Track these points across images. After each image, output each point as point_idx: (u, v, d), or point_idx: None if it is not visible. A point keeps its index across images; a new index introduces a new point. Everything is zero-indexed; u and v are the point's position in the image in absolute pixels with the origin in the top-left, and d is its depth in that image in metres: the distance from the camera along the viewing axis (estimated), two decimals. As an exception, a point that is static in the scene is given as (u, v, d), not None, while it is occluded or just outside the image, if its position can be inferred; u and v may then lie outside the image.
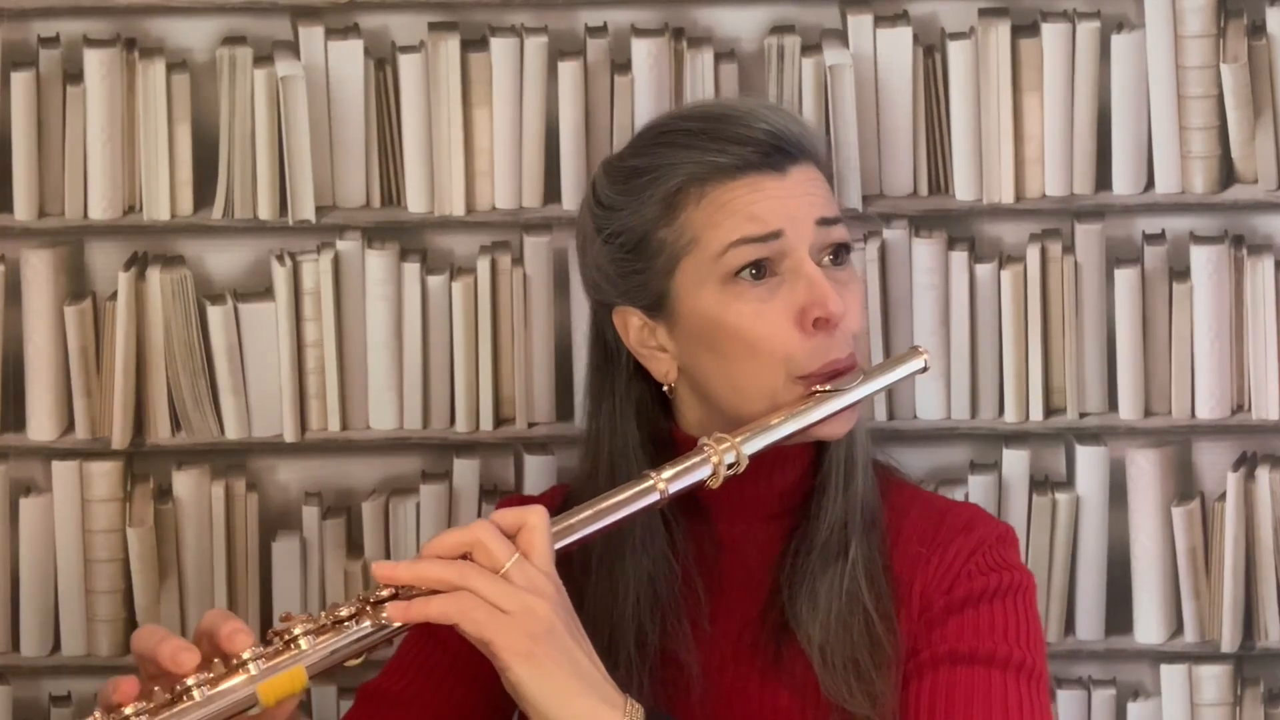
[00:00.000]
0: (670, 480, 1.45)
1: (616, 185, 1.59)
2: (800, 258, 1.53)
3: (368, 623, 1.36)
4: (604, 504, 1.44)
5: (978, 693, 1.51)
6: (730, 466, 1.47)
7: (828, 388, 1.52)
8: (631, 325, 1.60)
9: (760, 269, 1.53)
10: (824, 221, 1.55)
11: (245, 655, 1.33)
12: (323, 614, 1.37)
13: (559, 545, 1.41)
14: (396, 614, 1.36)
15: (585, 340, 1.87)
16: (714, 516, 1.62)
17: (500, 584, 1.35)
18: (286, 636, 1.35)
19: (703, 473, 1.47)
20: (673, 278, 1.56)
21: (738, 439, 1.48)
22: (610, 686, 1.38)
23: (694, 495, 1.50)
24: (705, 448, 1.47)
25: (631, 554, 1.58)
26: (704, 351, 1.55)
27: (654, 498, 1.45)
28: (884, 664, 1.54)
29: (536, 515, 1.39)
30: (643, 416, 1.63)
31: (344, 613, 1.36)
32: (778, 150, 1.55)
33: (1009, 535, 1.63)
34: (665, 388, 1.61)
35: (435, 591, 1.37)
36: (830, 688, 1.54)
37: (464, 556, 1.38)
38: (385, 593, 1.38)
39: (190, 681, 1.32)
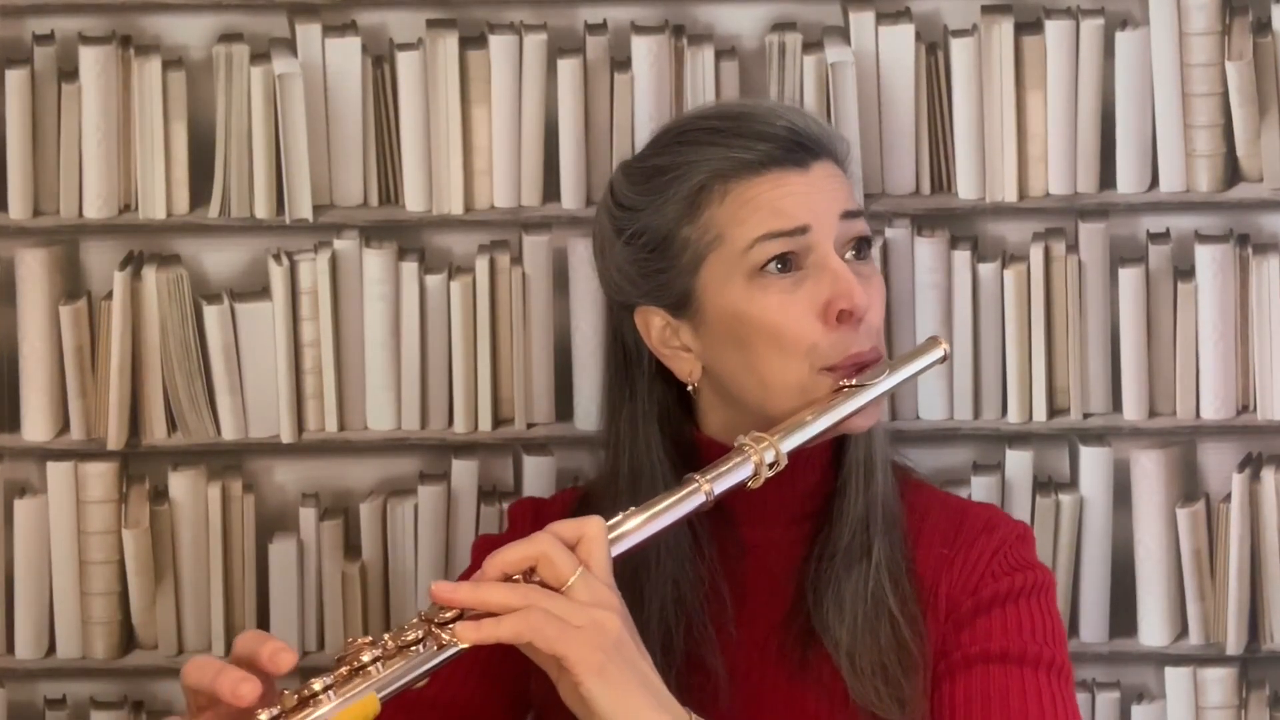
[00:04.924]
0: (714, 481, 1.44)
1: (637, 185, 1.60)
2: (825, 252, 1.54)
3: (434, 644, 1.34)
4: (652, 510, 1.43)
5: (1012, 691, 1.53)
6: (771, 465, 1.47)
7: (854, 382, 1.52)
8: (654, 325, 1.60)
9: (786, 263, 1.54)
10: (847, 215, 1.56)
11: (317, 686, 1.30)
12: (387, 637, 1.34)
13: (613, 553, 1.40)
14: (467, 635, 1.34)
15: (585, 340, 1.87)
16: (737, 521, 1.62)
17: (566, 601, 1.34)
18: (355, 664, 1.33)
19: (744, 472, 1.46)
20: (697, 275, 1.56)
21: (775, 437, 1.48)
22: (672, 699, 1.38)
23: (717, 500, 1.49)
24: (745, 448, 1.47)
25: (656, 560, 1.58)
26: (729, 347, 1.55)
27: (700, 500, 1.44)
28: (912, 668, 1.55)
29: (595, 526, 1.38)
30: (664, 419, 1.63)
31: (410, 636, 1.34)
32: (800, 146, 1.55)
33: (1028, 534, 1.65)
34: (689, 387, 1.61)
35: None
36: (859, 693, 1.55)
37: (529, 569, 1.36)
38: (449, 613, 1.35)
39: (263, 717, 1.28)
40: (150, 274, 1.89)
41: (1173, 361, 1.90)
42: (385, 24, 1.90)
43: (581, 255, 1.88)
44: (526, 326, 1.90)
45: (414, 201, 1.90)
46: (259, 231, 1.90)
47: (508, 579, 1.36)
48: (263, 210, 1.90)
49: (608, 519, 1.41)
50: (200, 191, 1.90)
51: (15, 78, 1.89)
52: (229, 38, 1.89)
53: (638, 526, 1.41)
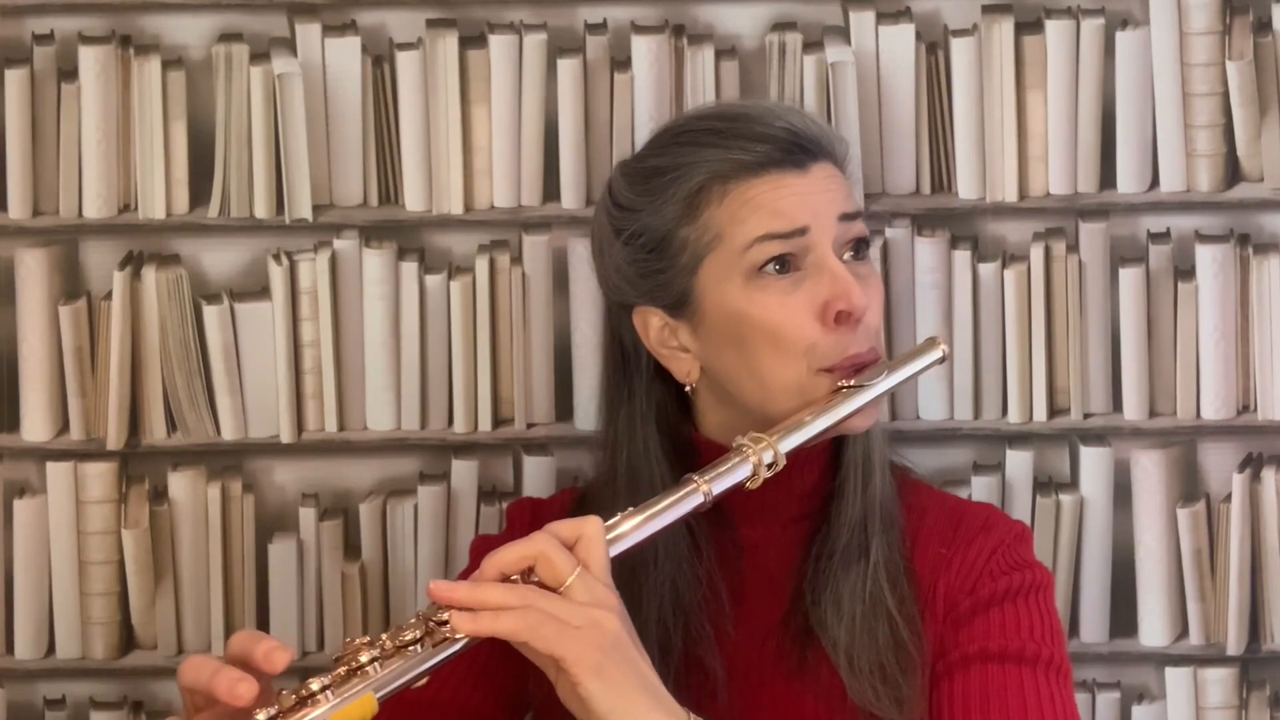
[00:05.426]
0: (712, 481, 1.44)
1: (636, 186, 1.59)
2: (824, 253, 1.54)
3: (432, 644, 1.34)
4: (651, 510, 1.42)
5: (1010, 690, 1.53)
6: (770, 466, 1.47)
7: (852, 383, 1.53)
8: (652, 325, 1.60)
9: (784, 264, 1.54)
10: (846, 216, 1.56)
11: (314, 686, 1.30)
12: (385, 637, 1.34)
13: (611, 553, 1.39)
14: (463, 626, 1.33)
15: (585, 340, 1.87)
16: (735, 520, 1.62)
17: (565, 601, 1.34)
18: (353, 664, 1.32)
19: (743, 472, 1.46)
20: (695, 276, 1.56)
21: (773, 437, 1.48)
22: (671, 699, 1.37)
23: (716, 500, 1.48)
24: (743, 448, 1.47)
25: (654, 560, 1.58)
26: (728, 348, 1.55)
27: (698, 500, 1.44)
28: (910, 668, 1.55)
29: (593, 526, 1.38)
30: (662, 420, 1.63)
31: (408, 636, 1.34)
32: (799, 148, 1.56)
33: (1026, 534, 1.65)
34: (688, 388, 1.61)
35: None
36: (857, 692, 1.55)
37: (527, 569, 1.36)
38: (446, 615, 1.35)
39: (260, 716, 1.28)
40: (150, 274, 1.89)
41: (1173, 361, 1.89)
42: (385, 24, 1.89)
43: (581, 255, 1.88)
44: (526, 326, 1.90)
45: (414, 201, 1.90)
46: (259, 231, 1.90)
47: (506, 579, 1.36)
48: (262, 210, 1.89)
49: (606, 519, 1.40)
50: (200, 191, 1.90)
51: (15, 77, 1.89)
52: (229, 37, 1.89)
53: (636, 526, 1.41)
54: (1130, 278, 1.89)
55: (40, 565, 1.91)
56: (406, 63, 1.89)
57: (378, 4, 1.89)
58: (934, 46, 1.89)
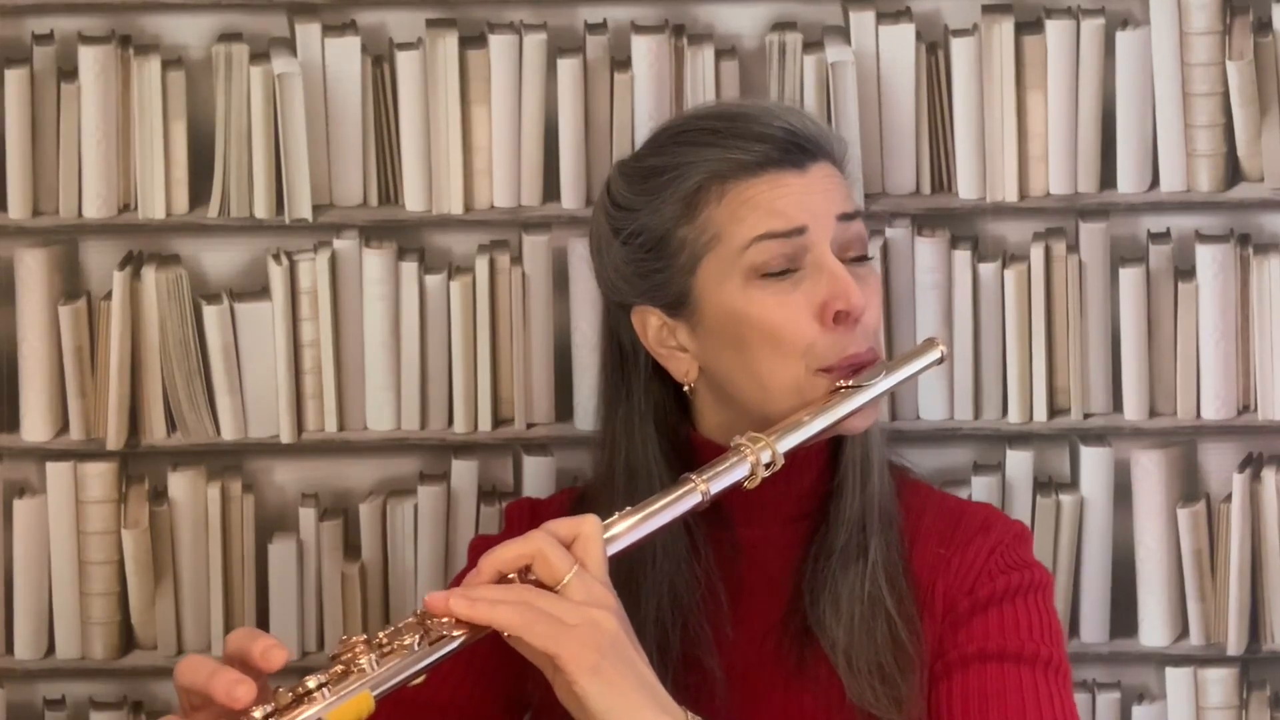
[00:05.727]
0: (710, 481, 1.44)
1: (634, 186, 1.60)
2: (822, 252, 1.54)
3: (428, 642, 1.34)
4: (649, 509, 1.42)
5: (1009, 690, 1.53)
6: (768, 465, 1.47)
7: (850, 383, 1.53)
8: (650, 325, 1.60)
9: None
10: (844, 217, 1.56)
11: (311, 683, 1.30)
12: (381, 635, 1.34)
13: (609, 553, 1.39)
14: (459, 609, 1.33)
15: (585, 340, 1.87)
16: (734, 521, 1.62)
17: (561, 600, 1.34)
18: (350, 662, 1.32)
19: (741, 472, 1.46)
20: (694, 275, 1.56)
21: (771, 437, 1.48)
22: (670, 699, 1.37)
23: (714, 500, 1.48)
24: (741, 448, 1.47)
25: (653, 560, 1.58)
26: (726, 348, 1.55)
27: (696, 499, 1.44)
28: (908, 667, 1.55)
29: (591, 525, 1.38)
30: (661, 419, 1.63)
31: (405, 633, 1.34)
32: (797, 147, 1.56)
33: (1025, 533, 1.65)
34: (685, 388, 1.61)
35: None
36: (855, 692, 1.55)
37: (524, 567, 1.36)
38: (444, 619, 1.35)
39: (257, 715, 1.28)
40: (150, 274, 1.89)
41: (1173, 361, 1.89)
42: (385, 24, 1.89)
43: (581, 255, 1.88)
44: (526, 326, 1.90)
45: (414, 201, 1.90)
46: (258, 231, 1.90)
47: (503, 577, 1.36)
48: (262, 210, 1.90)
49: (604, 519, 1.40)
50: (200, 191, 1.90)
51: (15, 77, 1.89)
52: (229, 37, 1.89)
53: (634, 526, 1.41)
54: (1130, 278, 1.89)
55: (40, 565, 1.91)
56: (406, 63, 1.89)
57: (378, 4, 1.89)
58: (934, 46, 1.89)
